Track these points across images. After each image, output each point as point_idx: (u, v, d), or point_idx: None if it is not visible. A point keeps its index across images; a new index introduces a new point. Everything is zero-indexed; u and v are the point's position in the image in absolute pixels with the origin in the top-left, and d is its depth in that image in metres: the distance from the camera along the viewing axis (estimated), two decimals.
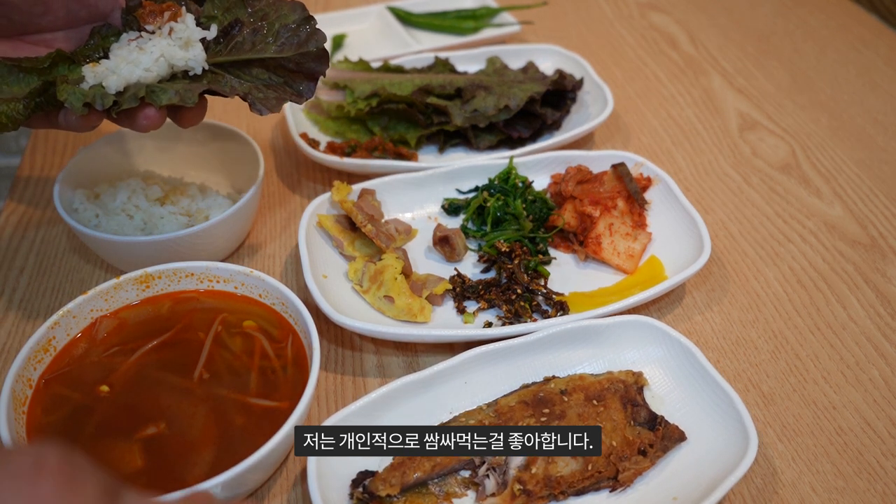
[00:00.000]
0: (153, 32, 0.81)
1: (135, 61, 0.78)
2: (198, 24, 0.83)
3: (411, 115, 1.21)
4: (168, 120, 0.82)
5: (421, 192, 1.10)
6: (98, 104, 0.76)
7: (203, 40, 0.82)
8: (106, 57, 0.81)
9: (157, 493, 0.63)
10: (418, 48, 1.44)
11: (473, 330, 0.91)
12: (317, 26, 0.82)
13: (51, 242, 1.07)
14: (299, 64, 0.82)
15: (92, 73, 0.78)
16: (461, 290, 0.96)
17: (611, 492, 0.76)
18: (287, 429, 0.68)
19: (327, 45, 1.58)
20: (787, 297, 0.99)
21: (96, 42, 0.83)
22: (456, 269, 0.99)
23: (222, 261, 0.92)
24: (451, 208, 1.09)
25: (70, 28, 0.83)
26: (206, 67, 0.82)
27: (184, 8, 0.83)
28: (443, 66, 1.34)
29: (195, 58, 0.81)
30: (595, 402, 0.80)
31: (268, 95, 0.82)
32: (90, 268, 1.03)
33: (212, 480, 0.64)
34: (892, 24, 1.65)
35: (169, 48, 0.80)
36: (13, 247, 1.06)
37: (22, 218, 1.11)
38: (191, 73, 0.82)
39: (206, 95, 0.82)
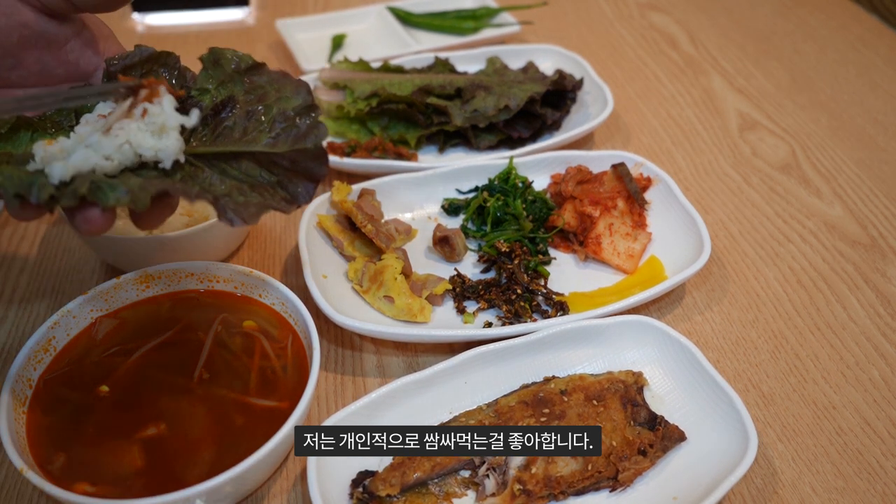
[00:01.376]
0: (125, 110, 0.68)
1: (94, 145, 0.64)
2: (188, 97, 0.71)
3: (411, 115, 1.21)
4: None
5: (421, 192, 1.10)
6: (33, 196, 0.59)
7: (182, 126, 0.68)
8: (78, 124, 0.69)
9: (157, 493, 0.63)
10: (418, 48, 1.44)
11: (473, 330, 0.91)
12: (319, 118, 0.70)
13: (51, 242, 1.07)
14: (294, 162, 0.69)
15: (43, 151, 0.63)
16: (461, 290, 0.96)
17: (611, 492, 0.76)
18: (287, 429, 0.68)
19: (327, 46, 1.58)
20: (787, 297, 0.99)
21: (71, 106, 0.71)
22: (456, 269, 0.99)
23: (222, 261, 0.92)
24: (451, 208, 1.09)
25: (44, 86, 0.71)
26: (182, 160, 0.68)
27: (163, 87, 0.69)
28: (443, 66, 1.34)
29: (166, 149, 0.66)
30: (595, 402, 0.80)
31: (249, 199, 0.67)
32: (90, 268, 1.03)
33: (212, 480, 0.64)
34: (892, 24, 1.65)
35: (138, 133, 0.65)
36: (13, 247, 1.06)
37: None
38: (160, 166, 0.67)
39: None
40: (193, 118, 0.69)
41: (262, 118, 0.70)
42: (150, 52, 0.73)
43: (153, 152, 0.66)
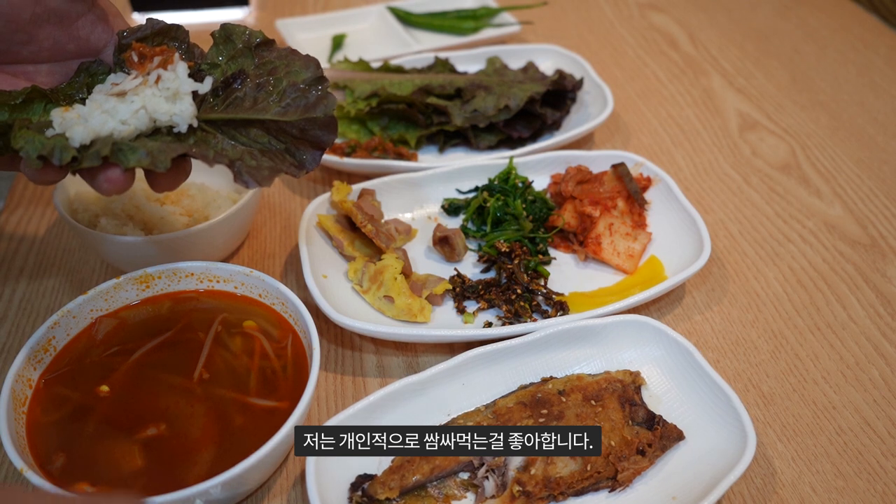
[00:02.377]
0: (137, 76, 0.71)
1: (110, 111, 0.67)
2: (197, 71, 0.74)
3: (411, 115, 1.21)
4: None
5: (421, 192, 1.10)
6: (55, 158, 0.63)
7: (195, 94, 0.72)
8: (88, 97, 0.71)
9: (157, 493, 0.63)
10: (418, 48, 1.44)
11: (473, 330, 0.91)
12: (328, 89, 0.73)
13: (51, 242, 1.07)
14: (304, 130, 0.72)
15: (60, 118, 0.66)
16: (461, 290, 0.96)
17: (610, 492, 0.75)
18: (287, 429, 0.68)
19: (327, 46, 1.58)
20: (787, 297, 0.99)
21: (82, 80, 0.73)
22: (456, 269, 0.99)
23: (222, 261, 0.92)
24: (451, 208, 1.09)
25: (56, 61, 0.73)
26: (195, 125, 0.71)
27: (177, 54, 0.72)
28: (443, 66, 1.34)
29: (181, 113, 0.69)
30: (593, 402, 0.80)
31: (261, 164, 0.71)
32: (90, 268, 1.03)
33: (212, 480, 0.64)
34: (892, 24, 1.65)
35: (153, 99, 0.68)
36: (13, 247, 1.06)
37: (22, 218, 1.11)
38: (175, 130, 0.70)
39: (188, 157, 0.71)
40: (207, 85, 0.72)
41: (272, 89, 0.72)
42: (161, 25, 0.75)
43: (168, 117, 0.69)
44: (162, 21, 0.75)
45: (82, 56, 0.74)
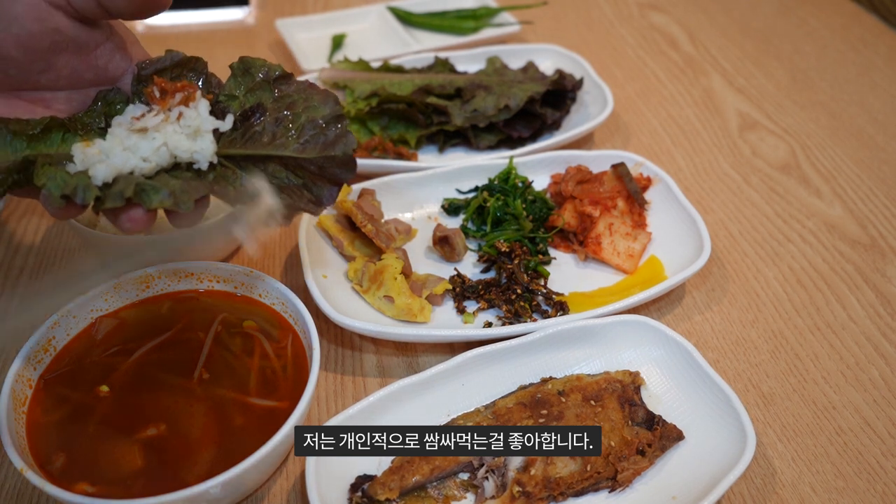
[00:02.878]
0: (159, 113, 0.71)
1: (132, 147, 0.67)
2: (216, 103, 0.74)
3: (411, 115, 1.21)
4: None
5: (421, 192, 1.10)
6: (79, 198, 0.63)
7: (215, 130, 0.72)
8: (107, 126, 0.71)
9: (157, 493, 0.63)
10: (418, 48, 1.44)
11: (473, 330, 0.91)
12: (347, 128, 0.72)
13: (51, 242, 1.07)
14: (322, 168, 0.72)
15: (82, 153, 0.66)
16: (461, 290, 0.96)
17: (610, 492, 0.76)
18: (287, 429, 0.68)
19: (327, 45, 1.58)
20: (787, 297, 0.99)
21: (100, 108, 0.73)
22: (456, 269, 0.99)
23: (222, 261, 0.92)
24: (451, 208, 1.09)
25: (73, 89, 0.73)
26: (215, 161, 0.71)
27: (199, 91, 0.72)
28: (443, 66, 1.34)
29: (202, 151, 0.70)
30: (593, 402, 0.80)
31: (279, 201, 0.71)
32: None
33: (212, 480, 0.64)
34: (892, 24, 1.65)
35: (174, 136, 0.69)
36: (13, 247, 1.06)
37: (22, 218, 1.11)
38: (195, 167, 0.70)
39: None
40: (228, 122, 0.72)
41: (291, 125, 0.72)
42: (181, 57, 0.74)
43: (189, 154, 0.69)
44: (181, 53, 0.74)
45: (100, 84, 0.74)
